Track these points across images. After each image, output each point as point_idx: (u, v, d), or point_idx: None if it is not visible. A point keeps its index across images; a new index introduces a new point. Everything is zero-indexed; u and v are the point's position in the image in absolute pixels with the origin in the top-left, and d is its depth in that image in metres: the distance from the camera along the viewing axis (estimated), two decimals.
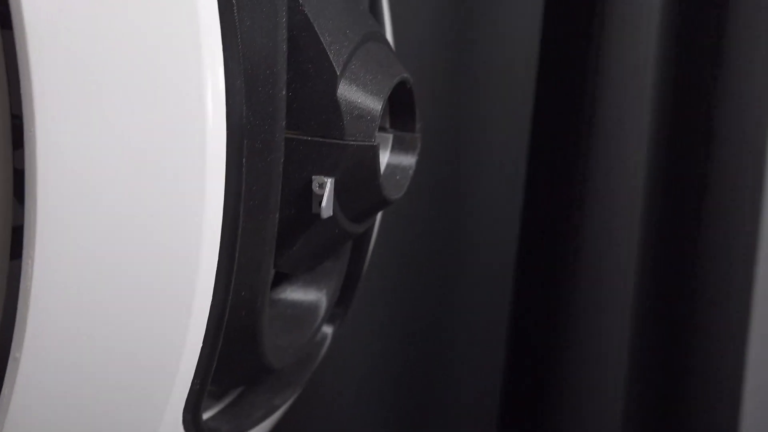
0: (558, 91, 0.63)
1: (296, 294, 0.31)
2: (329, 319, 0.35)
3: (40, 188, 0.20)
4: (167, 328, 0.22)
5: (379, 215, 0.37)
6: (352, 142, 0.24)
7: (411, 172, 0.28)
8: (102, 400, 0.23)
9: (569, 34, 0.62)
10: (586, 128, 0.61)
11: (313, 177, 0.24)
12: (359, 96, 0.24)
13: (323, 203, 0.24)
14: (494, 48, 0.65)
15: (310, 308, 0.31)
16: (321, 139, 0.24)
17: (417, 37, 0.62)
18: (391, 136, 0.29)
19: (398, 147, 0.29)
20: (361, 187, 0.25)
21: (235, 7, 0.21)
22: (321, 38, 0.24)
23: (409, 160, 0.28)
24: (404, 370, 0.69)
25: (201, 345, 0.23)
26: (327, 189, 0.24)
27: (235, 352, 0.26)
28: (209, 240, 0.22)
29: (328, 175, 0.24)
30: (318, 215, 0.24)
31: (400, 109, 0.28)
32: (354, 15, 0.26)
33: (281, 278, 0.32)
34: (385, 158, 0.29)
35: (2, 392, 0.22)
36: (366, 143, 0.24)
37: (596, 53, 0.58)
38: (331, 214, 0.24)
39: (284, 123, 0.23)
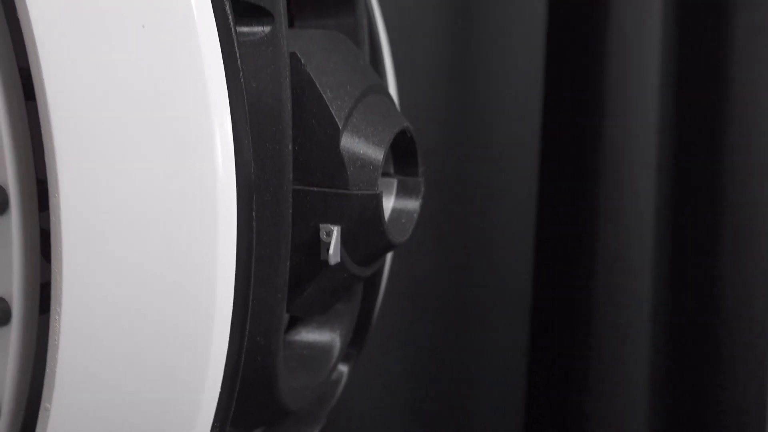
0: (566, 94, 0.65)
1: (311, 335, 0.32)
2: (344, 358, 0.36)
3: (65, 248, 0.22)
4: (186, 376, 0.23)
5: (389, 259, 0.38)
6: (356, 192, 0.25)
7: (415, 215, 0.30)
8: None
9: (574, 35, 0.63)
10: (595, 130, 0.62)
11: (321, 225, 0.25)
12: (361, 147, 0.25)
13: (330, 250, 0.25)
14: (500, 53, 0.66)
15: (324, 349, 0.32)
16: (326, 190, 0.25)
17: (423, 44, 0.63)
18: (395, 182, 0.30)
19: (402, 192, 0.30)
20: (367, 233, 0.26)
21: (241, 73, 0.23)
22: (323, 95, 0.25)
23: (413, 204, 0.29)
24: (426, 378, 0.70)
25: (219, 391, 0.24)
26: (334, 237, 0.25)
27: (252, 396, 0.27)
28: (223, 291, 0.23)
29: (334, 223, 0.25)
30: (326, 262, 0.25)
31: (403, 156, 0.30)
32: (355, 70, 0.27)
33: (296, 320, 0.34)
34: (390, 203, 0.30)
35: None
36: (369, 192, 0.25)
37: (602, 54, 0.60)
38: (339, 260, 0.26)
39: (291, 176, 0.25)
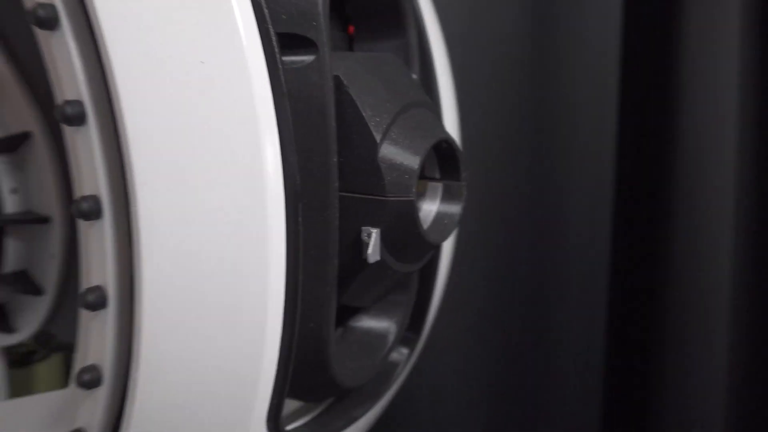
0: (643, 90, 0.64)
1: (369, 323, 0.36)
2: (404, 342, 0.39)
3: (144, 248, 0.26)
4: (247, 359, 0.28)
5: (447, 252, 0.41)
6: (392, 198, 0.28)
7: (458, 217, 0.32)
8: (203, 417, 0.29)
9: (650, 35, 0.62)
10: (672, 126, 0.60)
11: (362, 228, 0.29)
12: (398, 158, 0.28)
13: (369, 250, 0.28)
14: (576, 53, 0.66)
15: (381, 335, 0.36)
16: (367, 197, 0.28)
17: (500, 39, 0.64)
18: (440, 186, 0.33)
19: (447, 196, 0.33)
20: (405, 234, 0.29)
21: (287, 98, 0.26)
22: (363, 113, 0.28)
23: (455, 207, 0.32)
24: (503, 375, 0.71)
25: (276, 370, 0.28)
26: (373, 238, 0.28)
27: (311, 374, 0.31)
28: (275, 284, 0.27)
29: (374, 225, 0.28)
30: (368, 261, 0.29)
31: (448, 162, 0.32)
32: (396, 88, 0.30)
33: (358, 309, 0.37)
34: (435, 206, 0.33)
35: (127, 397, 0.29)
36: (404, 198, 0.28)
37: (678, 52, 0.58)
38: (378, 258, 0.29)
39: (337, 185, 0.28)
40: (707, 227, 0.60)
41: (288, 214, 0.27)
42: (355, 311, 0.37)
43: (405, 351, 0.39)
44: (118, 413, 0.30)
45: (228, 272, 0.27)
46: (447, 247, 0.40)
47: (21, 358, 0.44)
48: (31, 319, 0.38)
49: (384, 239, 0.29)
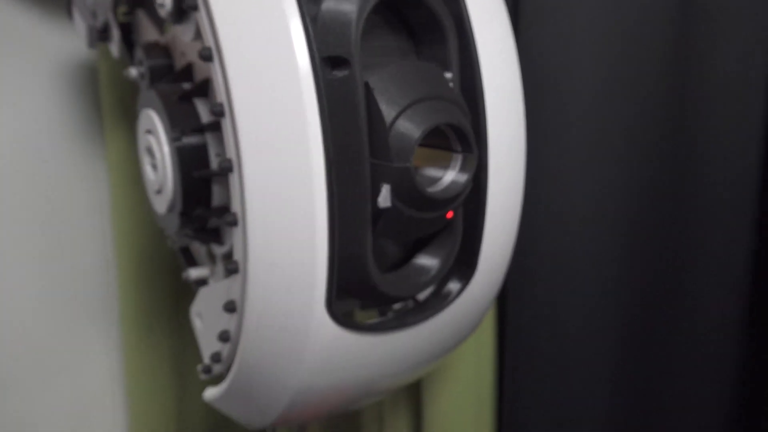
0: None
1: (417, 260, 0.50)
2: (460, 275, 0.51)
3: (248, 194, 0.44)
4: (306, 262, 0.44)
5: (512, 205, 0.52)
6: (396, 165, 0.42)
7: (463, 181, 0.44)
8: (285, 296, 0.46)
9: None
10: None
11: (381, 184, 0.43)
12: (403, 136, 0.42)
13: (380, 199, 0.42)
14: (723, 48, 0.66)
15: (424, 267, 0.49)
16: (381, 162, 0.42)
17: (643, 36, 0.67)
18: (461, 156, 0.45)
19: (462, 165, 0.45)
20: (409, 189, 0.43)
21: (326, 99, 0.41)
22: (380, 106, 0.42)
23: (464, 176, 0.44)
24: (630, 374, 0.75)
25: (327, 271, 0.44)
26: (383, 191, 0.42)
27: (358, 281, 0.46)
28: (319, 214, 0.43)
29: (386, 182, 0.42)
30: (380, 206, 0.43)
31: (463, 140, 0.44)
32: (416, 88, 0.43)
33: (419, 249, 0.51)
34: (454, 173, 0.45)
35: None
36: (404, 165, 0.42)
37: None
38: (389, 205, 0.43)
39: (368, 154, 0.43)
40: None
41: (327, 176, 0.42)
42: (419, 251, 0.51)
43: (459, 283, 0.51)
44: (244, 292, 0.49)
45: (293, 207, 0.43)
46: (499, 202, 0.50)
47: (236, 269, 0.66)
48: (232, 236, 0.59)
49: (396, 191, 0.43)
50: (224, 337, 0.53)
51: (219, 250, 0.61)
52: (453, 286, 0.51)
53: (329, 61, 0.42)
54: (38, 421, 0.97)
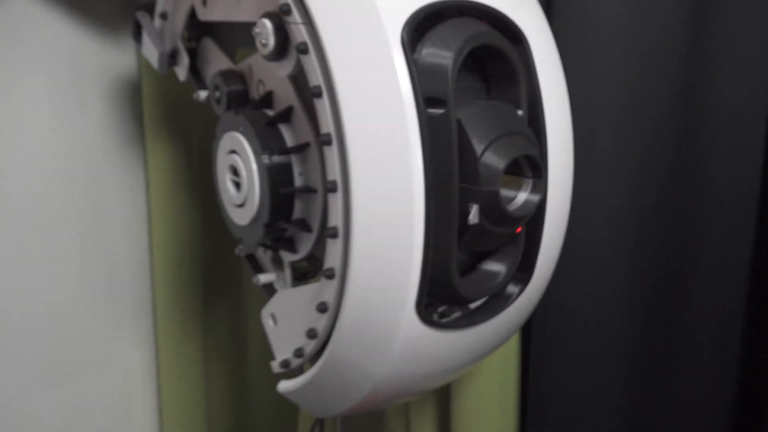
0: None
1: (488, 266, 0.58)
2: (516, 280, 0.60)
3: (355, 211, 0.52)
4: (403, 268, 0.52)
5: (561, 220, 0.61)
6: (483, 188, 0.50)
7: (535, 202, 0.53)
8: (380, 298, 0.54)
9: None
10: None
11: (469, 204, 0.51)
12: (490, 166, 0.50)
13: (470, 217, 0.51)
14: (732, 53, 0.74)
15: (494, 272, 0.57)
16: (472, 186, 0.51)
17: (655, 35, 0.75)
18: (531, 181, 0.54)
19: (533, 188, 0.53)
20: (494, 210, 0.51)
21: (428, 132, 0.49)
22: (471, 139, 0.50)
23: (535, 197, 0.53)
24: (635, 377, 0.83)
25: (419, 277, 0.52)
26: (473, 210, 0.50)
27: (443, 289, 0.54)
28: (417, 228, 0.51)
29: (475, 203, 0.51)
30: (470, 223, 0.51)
31: (535, 168, 0.53)
32: (497, 123, 0.51)
33: (484, 259, 0.59)
34: (526, 194, 0.54)
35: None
36: (492, 189, 0.50)
37: None
38: (477, 222, 0.51)
39: (458, 180, 0.51)
40: None
41: (426, 197, 0.50)
42: (485, 259, 0.59)
43: (518, 287, 0.60)
44: (339, 295, 0.57)
45: (396, 224, 0.51)
46: (553, 218, 0.59)
47: (300, 275, 0.74)
48: (305, 246, 0.66)
49: (482, 211, 0.51)
50: (312, 334, 0.60)
51: (289, 257, 0.69)
52: (512, 289, 0.60)
53: (429, 100, 0.50)
54: (76, 414, 1.03)
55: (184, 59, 0.77)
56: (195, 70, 0.79)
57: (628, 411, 0.84)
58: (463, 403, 0.88)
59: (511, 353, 0.87)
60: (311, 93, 0.53)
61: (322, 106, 0.53)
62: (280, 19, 0.56)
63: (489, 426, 0.87)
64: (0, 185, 0.90)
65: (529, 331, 0.85)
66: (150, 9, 0.80)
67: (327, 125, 0.53)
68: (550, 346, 0.85)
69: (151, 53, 0.78)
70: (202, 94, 0.76)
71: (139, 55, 1.00)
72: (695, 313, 0.80)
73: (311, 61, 0.53)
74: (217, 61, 0.75)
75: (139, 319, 1.09)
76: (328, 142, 0.53)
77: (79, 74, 0.95)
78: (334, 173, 0.54)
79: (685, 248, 0.80)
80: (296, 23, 0.54)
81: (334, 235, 0.55)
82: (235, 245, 1.09)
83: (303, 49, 0.54)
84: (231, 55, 0.74)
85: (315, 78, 0.53)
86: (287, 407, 1.14)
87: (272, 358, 1.12)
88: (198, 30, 0.77)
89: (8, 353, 0.95)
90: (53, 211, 0.96)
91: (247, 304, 1.12)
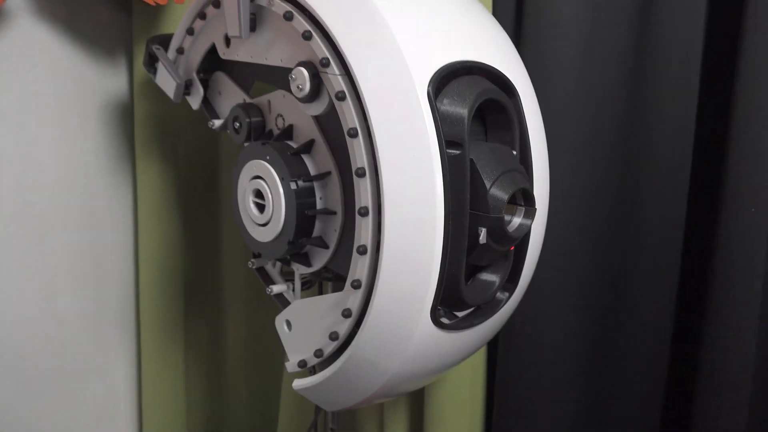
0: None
1: (484, 276, 0.70)
2: (506, 289, 0.72)
3: (386, 235, 0.63)
4: (424, 280, 0.63)
5: (539, 239, 0.73)
6: (492, 215, 0.62)
7: (529, 226, 0.65)
8: (401, 305, 0.65)
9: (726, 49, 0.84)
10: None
11: (478, 228, 0.63)
12: (497, 197, 0.62)
13: (480, 238, 0.62)
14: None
15: (490, 281, 0.70)
16: (481, 213, 0.63)
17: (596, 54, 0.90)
18: (524, 209, 0.66)
19: (525, 214, 0.66)
20: (498, 232, 0.63)
21: (448, 169, 0.61)
22: (482, 175, 0.62)
23: (528, 221, 0.65)
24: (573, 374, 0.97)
25: (435, 287, 0.63)
26: (482, 233, 0.62)
27: (453, 295, 0.66)
28: (437, 249, 0.62)
29: (482, 226, 0.63)
30: (480, 243, 0.63)
31: (528, 198, 0.65)
32: (501, 162, 0.64)
33: (482, 269, 0.71)
34: (520, 219, 0.66)
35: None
36: (498, 216, 0.62)
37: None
38: (485, 242, 0.63)
39: (468, 207, 0.63)
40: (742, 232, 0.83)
41: (445, 221, 0.62)
42: (480, 270, 0.71)
43: (506, 294, 0.72)
44: (364, 304, 0.67)
45: (419, 243, 0.62)
46: (534, 237, 0.72)
47: (305, 285, 0.83)
48: (319, 260, 0.76)
49: (489, 233, 0.63)
50: (334, 336, 0.70)
51: (302, 270, 0.78)
52: (501, 295, 0.72)
53: (448, 143, 0.62)
54: (63, 422, 1.07)
55: (199, 91, 0.85)
56: (205, 100, 0.87)
57: (580, 400, 0.98)
58: (435, 403, 1.00)
59: (478, 354, 1.00)
60: (347, 133, 0.64)
61: (358, 144, 0.64)
62: (315, 68, 0.67)
63: (459, 421, 0.99)
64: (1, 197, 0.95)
65: (496, 335, 0.98)
66: (163, 42, 0.88)
67: (362, 160, 0.64)
68: (514, 349, 0.98)
69: (167, 84, 0.86)
70: (217, 123, 0.85)
71: (132, 79, 1.07)
72: (632, 315, 0.96)
73: (348, 107, 0.64)
74: (231, 94, 0.84)
75: (123, 329, 1.14)
76: (362, 174, 0.64)
77: (78, 95, 1.01)
78: (366, 200, 0.64)
79: (625, 261, 0.95)
80: (335, 74, 0.64)
81: (363, 252, 0.65)
82: (216, 261, 1.17)
83: (341, 97, 0.64)
84: (246, 88, 0.83)
85: (351, 120, 0.64)
86: (265, 413, 1.22)
87: (250, 366, 1.20)
88: (211, 64, 0.85)
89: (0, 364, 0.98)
90: (47, 225, 1.00)
91: (227, 316, 1.19)
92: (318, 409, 0.90)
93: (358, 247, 0.66)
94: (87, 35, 1.01)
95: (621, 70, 0.92)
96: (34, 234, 0.99)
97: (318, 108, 0.69)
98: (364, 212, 0.64)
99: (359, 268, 0.66)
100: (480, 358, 1.00)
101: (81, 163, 1.03)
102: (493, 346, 1.01)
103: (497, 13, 0.93)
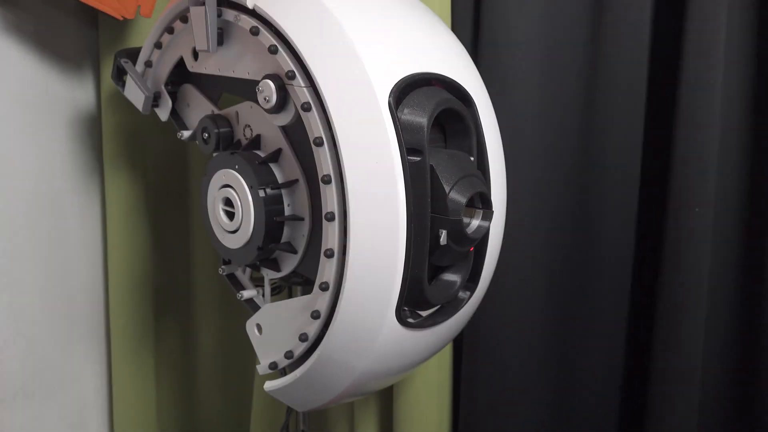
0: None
1: (447, 276, 0.74)
2: (467, 288, 0.76)
3: (351, 235, 0.66)
4: (388, 280, 0.66)
5: (498, 240, 0.77)
6: (451, 218, 0.66)
7: (486, 228, 0.69)
8: (371, 306, 0.68)
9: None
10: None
11: (439, 230, 0.66)
12: (456, 201, 0.66)
13: (441, 240, 0.66)
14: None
15: (452, 281, 0.73)
16: (441, 216, 0.66)
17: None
18: (482, 212, 0.70)
19: (484, 216, 0.70)
20: (458, 234, 0.67)
21: (410, 175, 0.64)
22: (441, 180, 0.66)
23: (486, 223, 0.69)
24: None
25: (399, 288, 0.67)
26: (443, 235, 0.66)
27: (416, 294, 0.69)
28: (401, 250, 0.65)
29: (443, 228, 0.66)
30: (441, 244, 0.66)
31: (485, 201, 0.69)
32: (459, 167, 0.67)
33: (444, 270, 0.75)
34: (478, 221, 0.70)
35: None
36: (457, 218, 0.66)
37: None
38: (445, 243, 0.66)
39: (430, 210, 0.66)
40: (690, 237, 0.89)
41: (408, 225, 0.65)
42: (442, 271, 0.75)
43: (467, 293, 0.76)
44: (332, 306, 0.70)
45: (384, 245, 0.65)
46: (493, 239, 0.76)
47: (274, 290, 0.86)
48: (288, 265, 0.79)
49: (449, 234, 0.67)
50: (303, 338, 0.73)
51: (272, 275, 0.81)
52: (463, 294, 0.76)
53: (409, 150, 0.65)
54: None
55: (168, 102, 0.88)
56: (174, 111, 0.89)
57: (544, 396, 1.02)
58: (404, 402, 1.03)
59: (445, 354, 1.03)
60: (313, 142, 0.67)
61: (324, 152, 0.67)
62: (281, 80, 0.70)
63: (428, 419, 1.02)
64: None
65: (461, 333, 1.02)
66: (131, 55, 0.90)
67: (327, 168, 0.67)
68: (478, 347, 1.01)
69: (136, 96, 0.88)
70: (186, 134, 0.87)
71: (99, 91, 1.08)
72: (590, 314, 1.00)
73: (314, 117, 0.67)
74: (200, 105, 0.86)
75: (93, 338, 1.15)
76: (328, 181, 0.67)
77: (45, 108, 1.02)
78: (332, 206, 0.67)
79: (583, 261, 1.00)
80: (300, 86, 0.67)
81: (330, 255, 0.68)
82: (186, 268, 1.19)
83: (306, 108, 0.67)
84: (214, 100, 0.85)
85: (317, 130, 0.67)
86: (237, 417, 1.23)
87: (222, 371, 1.22)
88: (179, 77, 0.87)
89: None
90: (15, 235, 1.01)
91: (198, 322, 1.21)
92: (289, 410, 0.92)
93: (326, 250, 0.69)
94: (54, 48, 1.02)
95: (574, 79, 0.97)
96: (2, 244, 0.99)
97: (284, 118, 0.72)
98: (330, 217, 0.67)
99: (327, 270, 0.69)
100: (446, 357, 1.04)
101: (49, 175, 1.04)
102: (458, 344, 1.04)
103: (455, 26, 0.97)
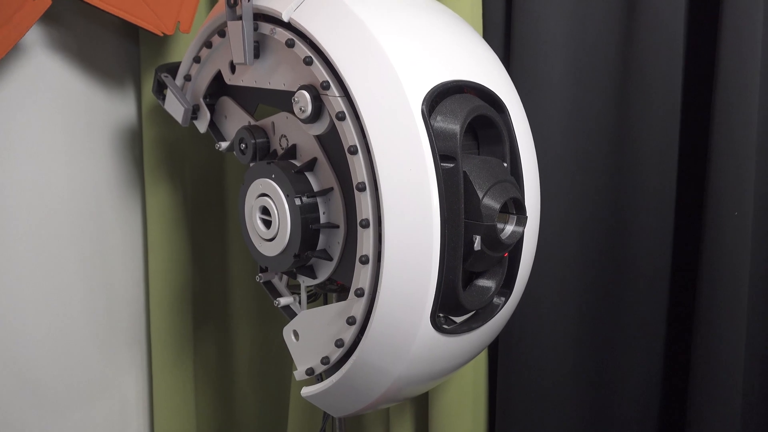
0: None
1: (480, 282, 0.74)
2: (502, 294, 0.76)
3: (386, 242, 0.67)
4: (423, 286, 0.67)
5: (532, 246, 0.77)
6: (485, 223, 0.66)
7: (521, 233, 0.69)
8: (404, 312, 0.69)
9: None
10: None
11: (473, 235, 0.67)
12: (490, 206, 0.66)
13: (475, 246, 0.66)
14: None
15: (486, 287, 0.73)
16: (475, 222, 0.67)
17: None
18: (516, 217, 0.70)
19: (518, 222, 0.70)
20: (492, 239, 0.67)
21: (443, 182, 0.65)
22: (474, 186, 0.66)
23: (520, 228, 0.69)
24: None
25: (434, 293, 0.67)
26: (477, 240, 0.66)
27: (451, 300, 0.70)
28: (434, 257, 0.66)
29: (477, 234, 0.67)
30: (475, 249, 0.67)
31: (520, 207, 0.70)
32: (492, 173, 0.68)
33: (477, 276, 0.75)
34: (512, 226, 0.70)
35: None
36: (491, 224, 0.66)
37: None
38: (479, 249, 0.67)
39: (464, 216, 0.67)
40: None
41: (441, 229, 0.66)
42: (477, 276, 0.75)
43: (502, 299, 0.76)
44: (367, 312, 0.71)
45: (418, 251, 0.66)
46: (527, 244, 0.76)
47: (310, 296, 0.87)
48: (324, 272, 0.80)
49: (483, 240, 0.67)
50: (339, 343, 0.74)
51: (308, 282, 0.82)
52: (498, 300, 0.76)
53: (442, 157, 0.66)
54: None
55: (206, 115, 0.90)
56: (212, 123, 0.92)
57: (581, 401, 1.01)
58: (439, 407, 1.03)
59: (480, 361, 1.03)
60: (348, 150, 0.68)
61: (358, 160, 0.68)
62: (315, 90, 0.71)
63: (463, 426, 1.02)
64: (12, 220, 0.99)
65: (496, 339, 1.02)
66: (171, 70, 0.93)
67: (362, 175, 0.68)
68: (514, 353, 1.01)
69: (175, 109, 0.90)
70: (223, 145, 0.89)
71: (140, 105, 1.12)
72: (626, 317, 0.99)
73: (348, 126, 0.68)
74: (237, 117, 0.88)
75: (134, 346, 1.18)
76: (363, 189, 0.68)
77: (89, 122, 1.06)
78: (366, 212, 0.68)
79: (619, 265, 0.99)
80: (335, 96, 0.69)
81: (365, 262, 0.69)
82: (224, 276, 1.21)
83: (341, 117, 0.69)
84: (251, 111, 0.87)
85: (351, 139, 0.68)
86: (274, 423, 1.25)
87: (259, 377, 1.24)
88: (217, 89, 0.90)
89: (16, 382, 1.02)
90: (59, 246, 1.04)
91: (235, 329, 1.23)
92: (326, 415, 0.93)
93: (361, 257, 0.70)
94: (97, 66, 1.06)
95: (607, 83, 0.96)
96: (47, 255, 1.03)
97: (319, 128, 0.73)
98: (365, 224, 0.69)
99: (362, 277, 0.70)
100: (482, 363, 1.04)
101: (92, 186, 1.08)
102: (494, 350, 1.04)
103: (487, 33, 0.97)
